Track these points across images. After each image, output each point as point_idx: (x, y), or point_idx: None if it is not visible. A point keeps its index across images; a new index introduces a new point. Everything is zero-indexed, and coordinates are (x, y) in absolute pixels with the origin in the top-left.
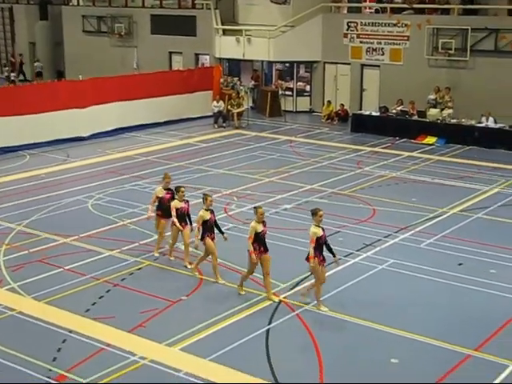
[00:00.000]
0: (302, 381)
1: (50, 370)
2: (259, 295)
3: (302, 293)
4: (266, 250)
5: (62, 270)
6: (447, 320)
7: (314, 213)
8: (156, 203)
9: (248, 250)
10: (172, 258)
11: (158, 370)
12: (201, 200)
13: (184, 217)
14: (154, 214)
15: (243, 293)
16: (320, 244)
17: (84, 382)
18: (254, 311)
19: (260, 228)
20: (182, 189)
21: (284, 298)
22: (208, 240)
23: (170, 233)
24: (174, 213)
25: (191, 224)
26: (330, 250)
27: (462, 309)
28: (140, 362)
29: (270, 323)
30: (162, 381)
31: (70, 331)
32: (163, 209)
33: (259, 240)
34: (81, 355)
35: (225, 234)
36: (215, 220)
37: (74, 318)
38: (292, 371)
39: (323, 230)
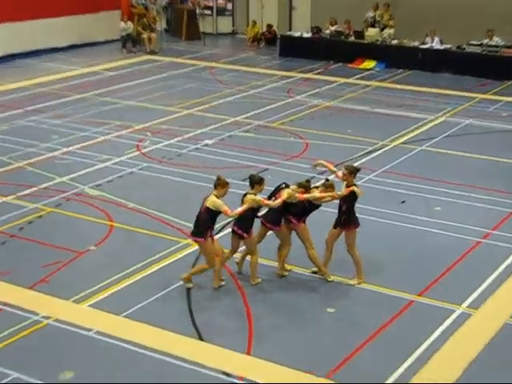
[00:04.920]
0: (228, 335)
1: None
2: (178, 242)
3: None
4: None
5: None
6: (388, 264)
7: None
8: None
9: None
10: (259, 280)
11: (65, 330)
12: (110, 137)
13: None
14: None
15: (286, 273)
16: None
17: None
18: (173, 261)
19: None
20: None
21: None
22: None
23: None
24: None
25: None
26: None
27: (405, 251)
28: (44, 322)
29: None
30: (69, 341)
31: None
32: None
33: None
34: None
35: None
36: None
37: None
38: (217, 326)
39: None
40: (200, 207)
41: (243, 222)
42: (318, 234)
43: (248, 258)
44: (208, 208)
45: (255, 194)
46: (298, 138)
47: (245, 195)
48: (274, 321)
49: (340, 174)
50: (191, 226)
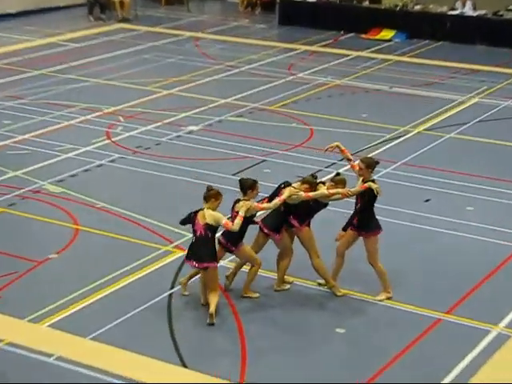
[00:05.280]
0: (216, 361)
1: None
2: (157, 249)
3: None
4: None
5: None
6: (409, 275)
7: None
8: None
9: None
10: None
11: (20, 356)
12: (74, 122)
13: None
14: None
15: (287, 287)
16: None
17: None
18: (151, 271)
19: None
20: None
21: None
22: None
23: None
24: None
25: None
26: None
27: (429, 259)
28: None
29: (172, 287)
30: (26, 369)
31: None
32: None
33: None
34: None
35: None
36: None
37: None
38: (204, 350)
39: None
40: (192, 225)
41: (232, 233)
42: (327, 238)
43: (243, 269)
44: (208, 225)
45: (248, 201)
46: (301, 124)
47: (236, 202)
48: (271, 343)
49: (357, 165)
50: (172, 229)
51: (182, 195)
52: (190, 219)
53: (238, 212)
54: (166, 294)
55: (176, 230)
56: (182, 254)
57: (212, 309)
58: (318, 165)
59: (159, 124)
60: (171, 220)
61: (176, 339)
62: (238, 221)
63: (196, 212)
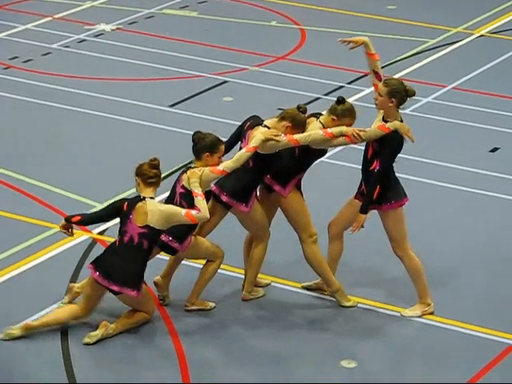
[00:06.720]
0: None
1: None
2: (45, 229)
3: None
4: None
5: None
6: (462, 275)
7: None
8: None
9: None
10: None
11: None
12: None
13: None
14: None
15: (261, 293)
16: None
17: None
18: (32, 267)
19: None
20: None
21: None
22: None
23: None
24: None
25: None
26: None
27: (495, 249)
28: None
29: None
30: None
31: None
32: None
33: None
34: None
35: None
36: None
37: None
38: None
39: None
40: (121, 221)
41: (177, 226)
42: (329, 210)
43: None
44: (150, 228)
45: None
46: (286, 22)
47: (184, 173)
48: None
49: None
50: (70, 196)
51: (88, 142)
52: (117, 210)
53: (184, 188)
54: (56, 306)
55: (76, 198)
56: (86, 237)
57: (108, 328)
58: (314, 90)
59: (48, 20)
60: (69, 182)
61: (75, 377)
62: (201, 202)
63: (130, 201)
